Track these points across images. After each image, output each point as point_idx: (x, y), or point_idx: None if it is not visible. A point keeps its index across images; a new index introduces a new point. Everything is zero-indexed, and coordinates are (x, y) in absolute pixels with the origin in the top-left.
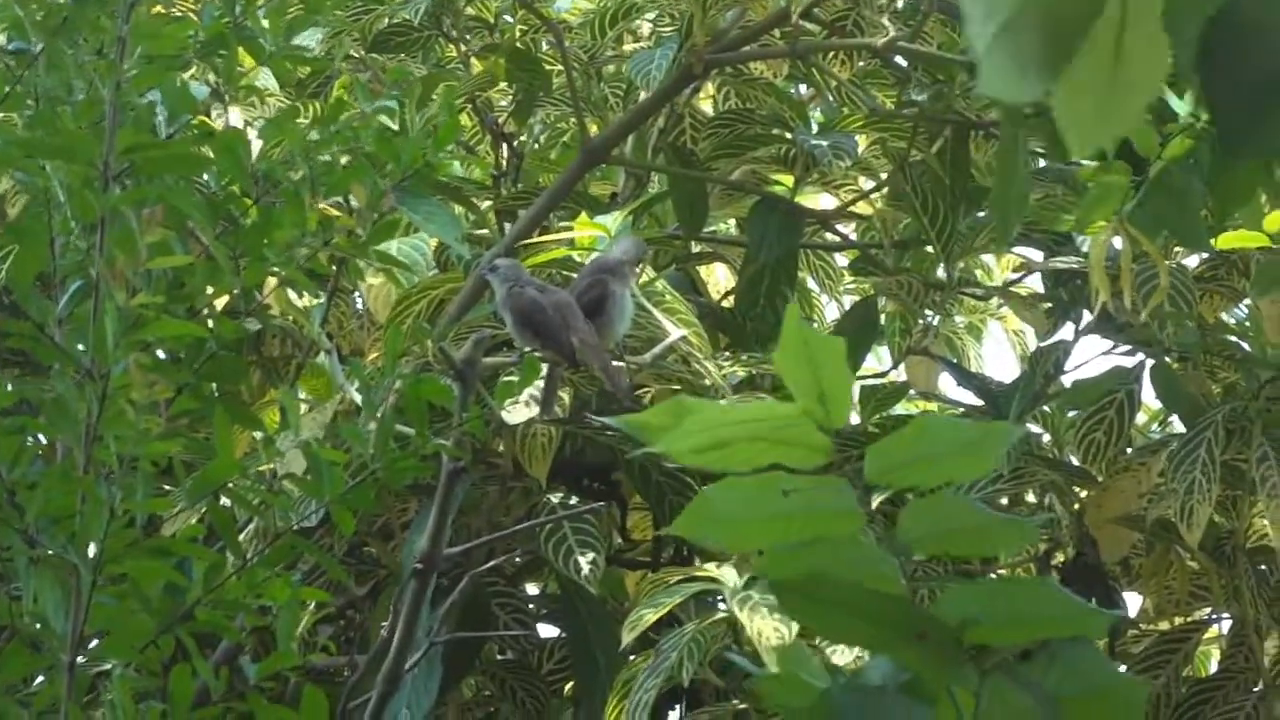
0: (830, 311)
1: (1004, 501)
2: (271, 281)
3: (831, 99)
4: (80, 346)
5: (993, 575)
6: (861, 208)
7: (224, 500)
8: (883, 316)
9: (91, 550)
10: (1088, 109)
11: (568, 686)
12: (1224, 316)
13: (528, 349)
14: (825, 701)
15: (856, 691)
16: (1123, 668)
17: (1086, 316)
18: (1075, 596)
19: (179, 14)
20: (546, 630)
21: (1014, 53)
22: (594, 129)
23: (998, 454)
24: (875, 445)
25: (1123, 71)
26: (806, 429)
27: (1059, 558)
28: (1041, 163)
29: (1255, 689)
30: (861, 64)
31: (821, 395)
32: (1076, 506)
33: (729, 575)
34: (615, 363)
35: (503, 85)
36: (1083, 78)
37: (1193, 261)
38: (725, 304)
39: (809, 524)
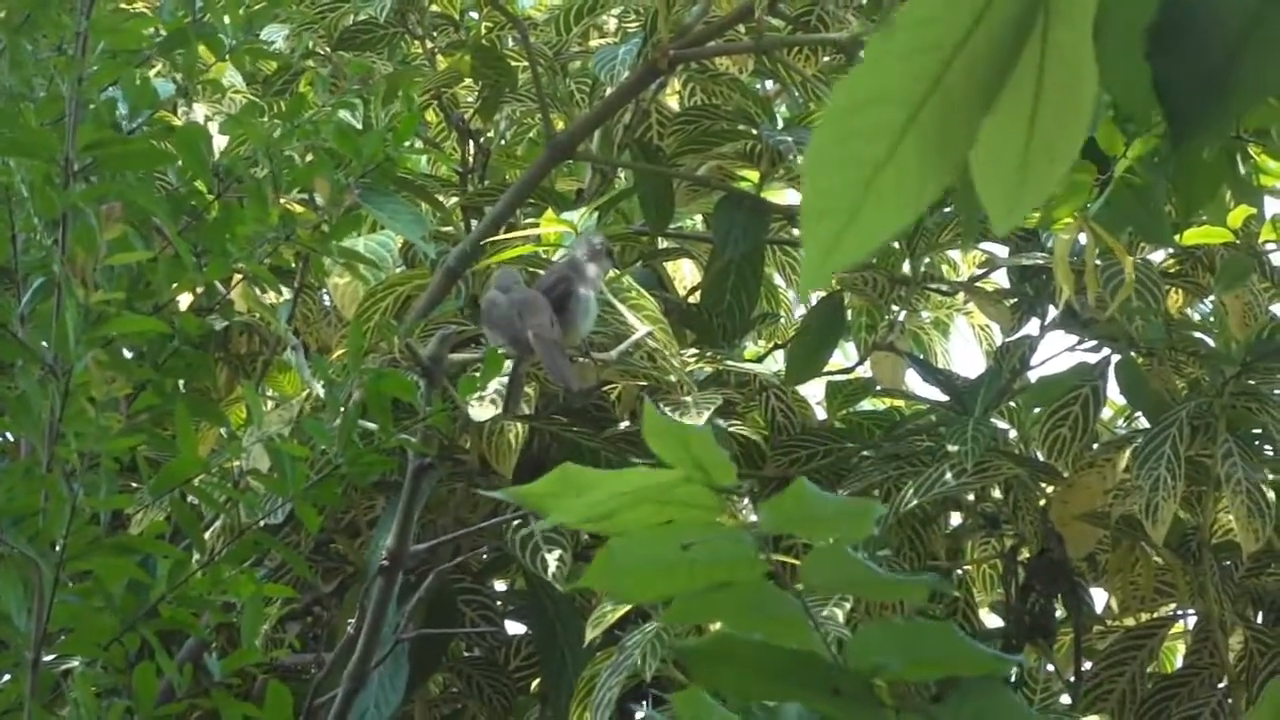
0: (797, 308)
1: (970, 497)
2: (237, 278)
3: (797, 94)
4: (43, 343)
5: (958, 571)
6: None
7: (189, 497)
8: (849, 312)
9: (55, 547)
10: (1005, 181)
11: (535, 683)
12: (1189, 312)
13: (493, 346)
14: None
15: None
16: (1088, 664)
17: (1052, 312)
18: (974, 643)
19: (139, 10)
20: (514, 627)
21: (908, 169)
22: (560, 125)
23: (868, 523)
24: (766, 502)
25: (1039, 134)
26: (696, 490)
27: (1024, 554)
28: None
29: (1220, 685)
30: (826, 59)
31: (700, 466)
32: (1042, 502)
33: None
34: (581, 359)
35: (469, 82)
36: (996, 148)
37: (1158, 257)
38: (692, 300)
39: (712, 572)
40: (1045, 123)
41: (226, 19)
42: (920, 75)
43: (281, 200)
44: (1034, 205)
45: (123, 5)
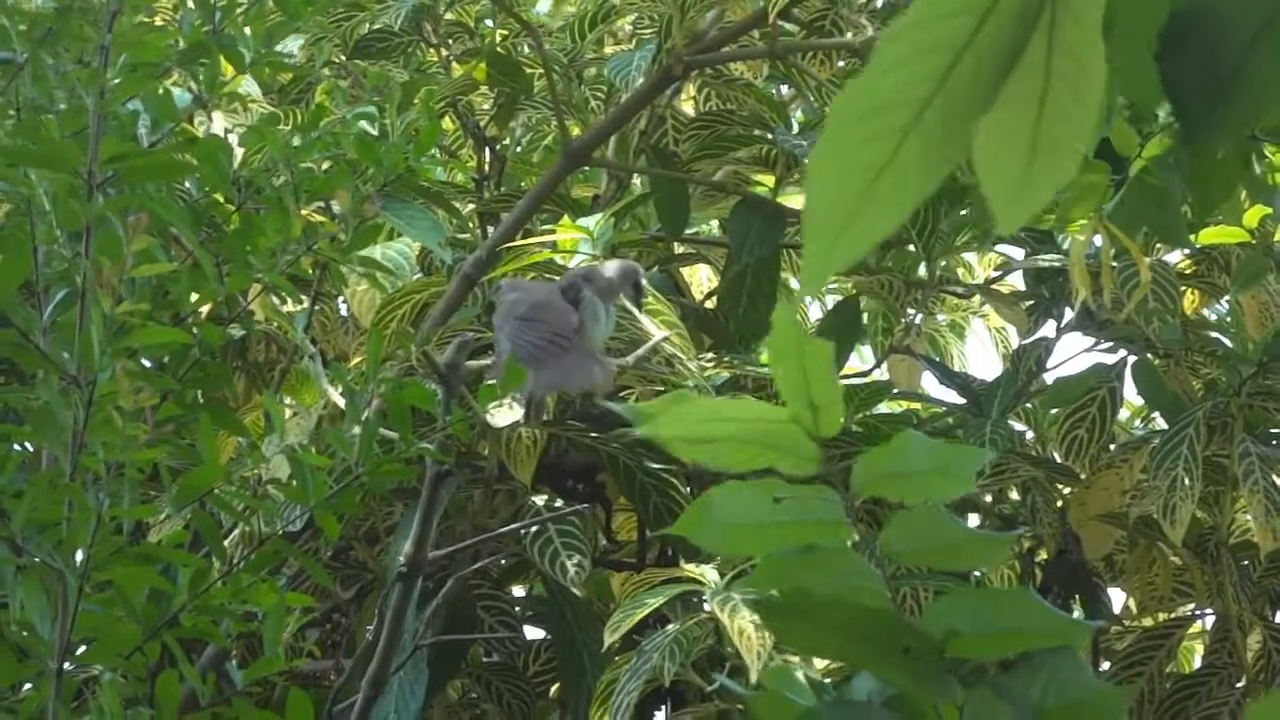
0: (813, 311)
1: (988, 499)
2: (256, 287)
3: (812, 99)
4: (65, 354)
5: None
6: None
7: (209, 506)
8: (865, 315)
9: (78, 557)
10: (1010, 179)
11: (554, 688)
12: (1205, 312)
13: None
14: (809, 718)
15: (841, 708)
16: (1106, 665)
17: (1068, 314)
18: (1054, 608)
19: (159, 23)
20: (532, 632)
21: (911, 167)
22: (575, 131)
23: (970, 476)
24: (862, 457)
25: (1045, 132)
26: (798, 437)
27: (1042, 555)
28: None
29: (1238, 685)
30: (841, 63)
31: (811, 401)
32: (1059, 504)
33: (711, 575)
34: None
35: (484, 89)
36: (1002, 146)
37: (1174, 257)
38: (708, 305)
39: (799, 533)
40: (1052, 120)
41: (248, 30)
42: (925, 77)
43: (301, 211)
44: (1041, 203)
45: (143, 19)
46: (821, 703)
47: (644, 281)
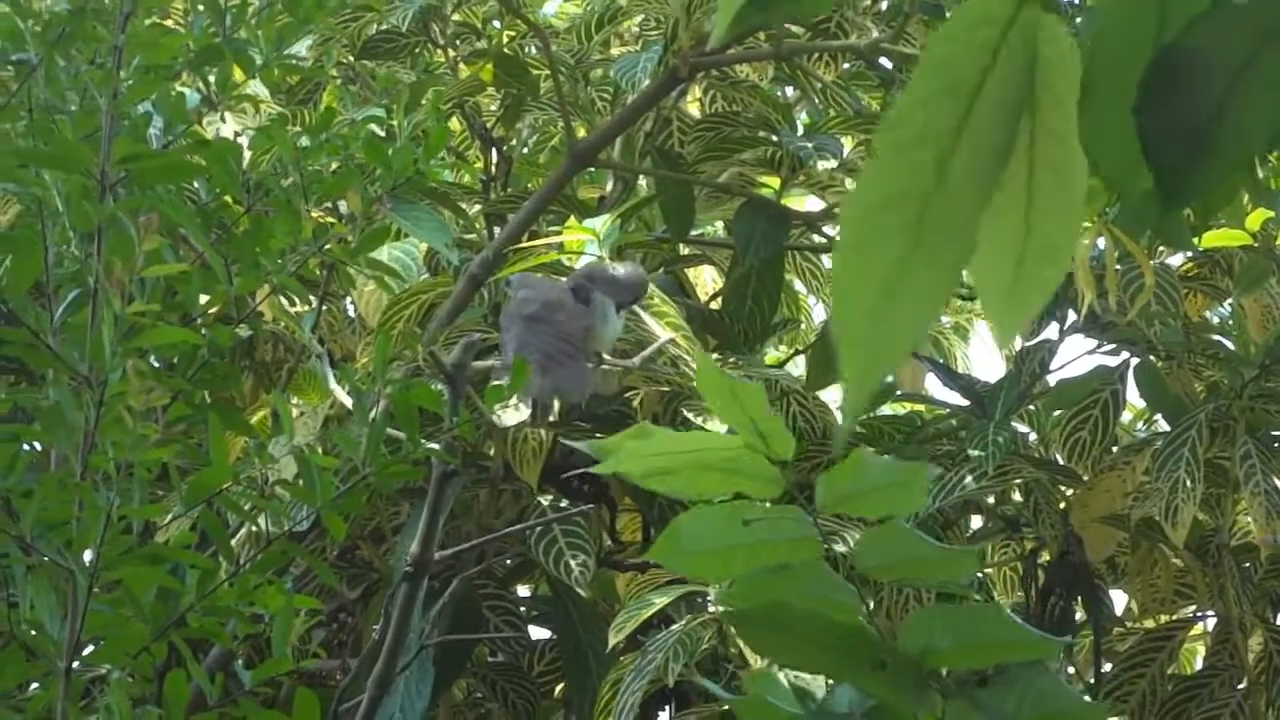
0: (818, 313)
1: (990, 500)
2: (264, 288)
3: (817, 101)
4: (75, 354)
5: (978, 574)
6: None
7: (216, 506)
8: None
9: (88, 556)
10: (1002, 285)
11: (559, 688)
12: (1208, 315)
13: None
14: None
15: (823, 718)
16: (1108, 666)
17: (1071, 316)
18: (1026, 625)
19: (170, 25)
20: (537, 632)
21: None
22: (581, 132)
23: (922, 491)
24: (822, 477)
25: (1035, 230)
26: (758, 462)
27: (1045, 557)
28: None
29: (1240, 686)
30: (846, 66)
31: (759, 431)
32: (1062, 505)
33: None
34: (603, 366)
35: (491, 90)
36: (993, 249)
37: (1176, 260)
38: (713, 306)
39: (770, 553)
40: (1041, 217)
41: (260, 33)
42: (922, 170)
43: (311, 213)
44: (1034, 309)
45: (155, 20)
46: (805, 711)
47: (640, 306)
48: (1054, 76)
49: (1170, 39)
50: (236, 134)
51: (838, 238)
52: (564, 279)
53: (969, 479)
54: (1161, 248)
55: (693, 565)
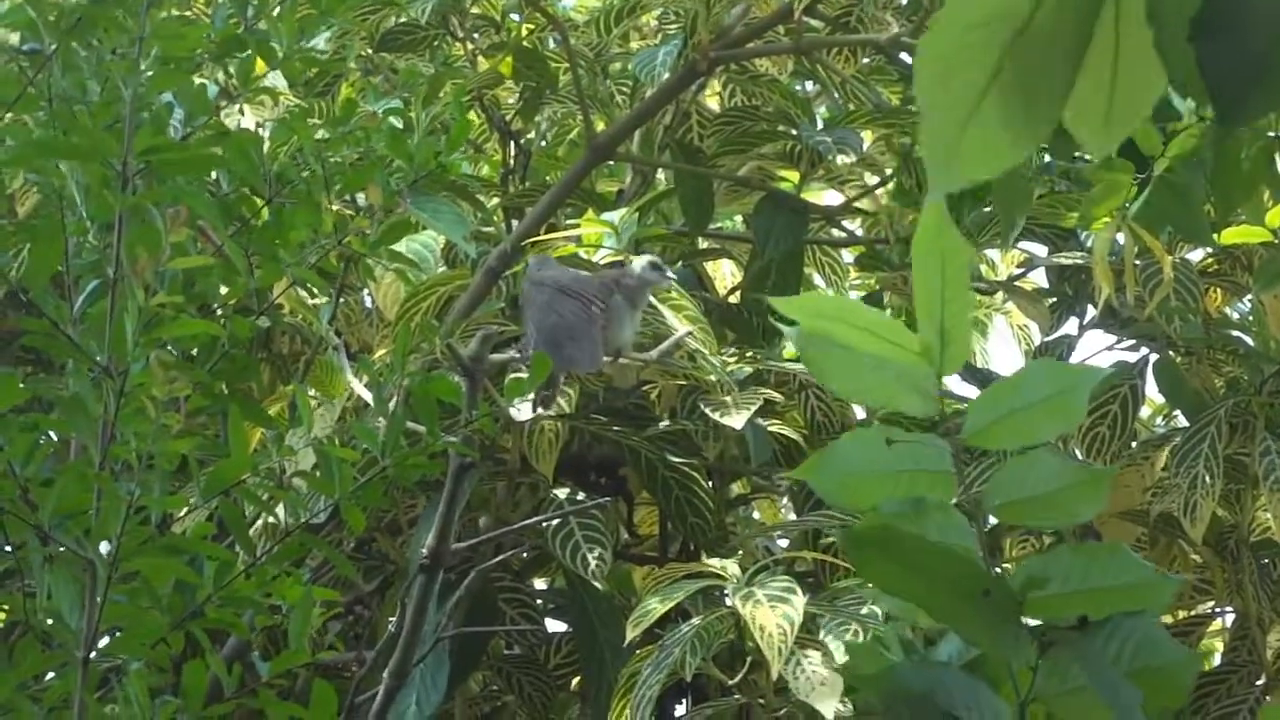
0: None
1: None
2: (283, 281)
3: (836, 95)
4: (95, 345)
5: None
6: (867, 203)
7: (234, 497)
8: (888, 312)
9: (105, 547)
10: (1093, 125)
11: (574, 681)
12: (1227, 311)
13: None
14: (892, 672)
15: (922, 666)
16: None
17: (1090, 311)
18: (1145, 562)
19: (192, 16)
20: (554, 625)
21: (992, 127)
22: (600, 126)
23: (1083, 401)
24: (977, 398)
25: (1120, 90)
26: (925, 375)
27: None
28: (1046, 159)
29: (1258, 682)
30: (866, 60)
31: (943, 327)
32: None
33: (733, 569)
34: (621, 360)
35: (510, 83)
36: (1083, 102)
37: (1196, 256)
38: (732, 300)
39: (909, 484)
40: (1127, 73)
41: (281, 26)
42: (991, 43)
43: (331, 206)
44: (1122, 138)
45: (174, 11)
46: (907, 659)
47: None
48: None
49: None
50: (258, 125)
51: (917, 58)
52: (584, 271)
53: (987, 474)
54: (1181, 243)
55: (835, 488)
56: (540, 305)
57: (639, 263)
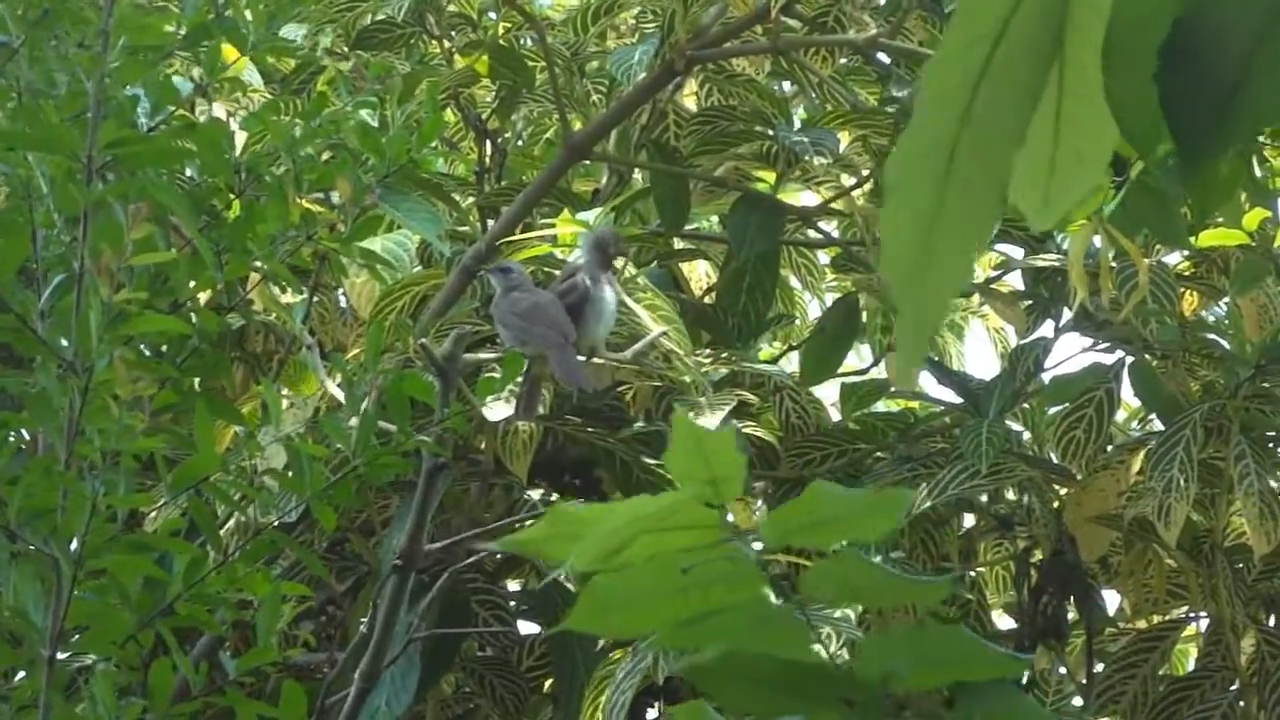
0: (812, 309)
1: (983, 499)
2: (255, 277)
3: (813, 95)
4: (62, 340)
5: (971, 573)
6: (843, 204)
7: (205, 495)
8: (864, 313)
9: (73, 545)
10: (1035, 194)
11: (547, 683)
12: (1203, 314)
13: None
14: None
15: None
16: (1101, 666)
17: (1066, 314)
18: (988, 643)
19: (159, 5)
20: (526, 627)
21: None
22: (577, 125)
23: (896, 518)
24: (772, 514)
25: (1063, 149)
26: (693, 509)
27: (1038, 555)
28: None
29: (1232, 688)
30: (843, 60)
31: (712, 480)
32: (1056, 504)
33: None
34: (595, 360)
35: (486, 82)
36: (1026, 165)
37: (1173, 259)
38: (707, 301)
39: (708, 597)
40: (1069, 133)
41: (249, 14)
42: (949, 117)
43: (301, 200)
44: (1067, 210)
45: (142, 2)
46: None
47: (611, 248)
48: (1082, 12)
49: (1188, 9)
50: (230, 114)
51: (883, 190)
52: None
53: (962, 477)
54: (1158, 246)
55: (622, 624)
56: (524, 312)
57: (585, 243)
